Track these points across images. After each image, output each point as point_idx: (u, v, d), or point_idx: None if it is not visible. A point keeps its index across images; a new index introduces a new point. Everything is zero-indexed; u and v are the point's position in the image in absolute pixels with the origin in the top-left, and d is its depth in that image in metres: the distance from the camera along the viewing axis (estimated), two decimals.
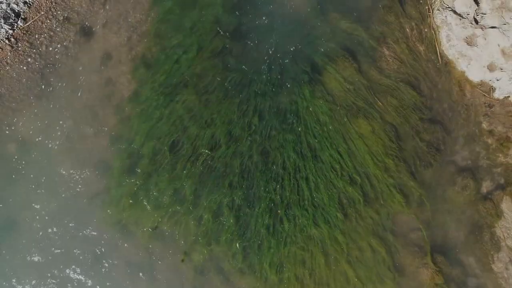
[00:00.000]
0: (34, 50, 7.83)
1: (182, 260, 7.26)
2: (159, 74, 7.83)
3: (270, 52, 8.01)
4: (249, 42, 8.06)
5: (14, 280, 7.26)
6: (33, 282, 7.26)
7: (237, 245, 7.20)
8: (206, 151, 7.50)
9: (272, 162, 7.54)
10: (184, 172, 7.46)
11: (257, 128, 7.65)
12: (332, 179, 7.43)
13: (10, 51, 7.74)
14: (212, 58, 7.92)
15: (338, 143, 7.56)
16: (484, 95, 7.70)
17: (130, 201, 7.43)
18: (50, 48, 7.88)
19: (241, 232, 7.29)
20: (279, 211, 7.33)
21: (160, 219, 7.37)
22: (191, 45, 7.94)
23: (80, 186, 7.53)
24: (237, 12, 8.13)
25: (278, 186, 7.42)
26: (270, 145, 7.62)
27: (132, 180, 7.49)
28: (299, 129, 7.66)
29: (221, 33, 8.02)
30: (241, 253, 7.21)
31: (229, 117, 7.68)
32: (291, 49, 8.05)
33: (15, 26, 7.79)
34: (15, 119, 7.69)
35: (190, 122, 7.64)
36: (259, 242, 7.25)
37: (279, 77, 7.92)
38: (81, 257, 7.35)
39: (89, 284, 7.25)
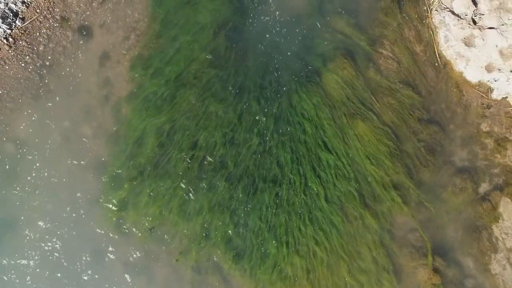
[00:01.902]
0: (32, 50, 7.83)
1: (177, 260, 7.26)
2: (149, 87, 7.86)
3: (268, 54, 8.03)
4: (245, 40, 8.09)
5: (13, 277, 7.28)
6: (29, 279, 7.27)
7: (228, 265, 7.21)
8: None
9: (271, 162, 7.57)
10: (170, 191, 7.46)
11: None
12: (329, 180, 7.44)
13: (8, 51, 7.74)
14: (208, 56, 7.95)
15: (336, 144, 7.56)
16: (482, 95, 7.70)
17: (126, 202, 7.45)
18: (48, 48, 7.88)
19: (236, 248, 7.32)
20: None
21: (156, 220, 7.40)
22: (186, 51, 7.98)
23: (77, 187, 7.52)
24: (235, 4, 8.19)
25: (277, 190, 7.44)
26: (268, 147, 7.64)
27: (128, 183, 7.49)
28: (294, 130, 7.68)
29: (219, 32, 8.04)
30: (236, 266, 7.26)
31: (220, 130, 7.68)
32: (288, 52, 8.05)
33: (13, 26, 7.79)
34: (13, 119, 7.68)
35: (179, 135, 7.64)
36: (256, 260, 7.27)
37: (274, 80, 7.93)
38: (78, 257, 7.34)
39: (86, 285, 7.26)
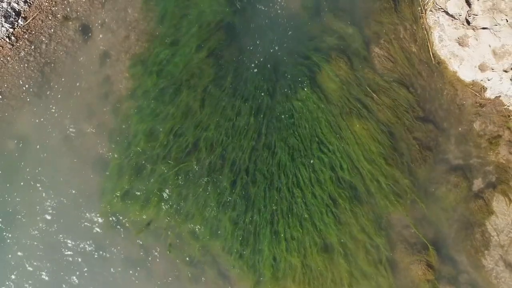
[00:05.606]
0: (34, 49, 7.96)
1: (169, 251, 7.37)
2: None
3: (260, 55, 8.17)
4: (239, 40, 8.21)
5: (12, 275, 7.39)
6: (28, 277, 7.38)
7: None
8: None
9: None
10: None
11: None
12: (324, 177, 7.55)
13: (10, 49, 7.87)
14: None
15: (331, 141, 7.68)
16: (476, 94, 7.82)
17: (126, 200, 7.57)
18: (50, 47, 8.01)
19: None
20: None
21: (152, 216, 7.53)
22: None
23: (78, 184, 7.64)
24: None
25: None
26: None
27: (127, 179, 7.60)
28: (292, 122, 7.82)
29: (217, 29, 8.16)
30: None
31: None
32: (284, 51, 8.18)
33: (16, 25, 7.93)
34: (14, 116, 7.80)
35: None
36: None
37: (270, 81, 8.07)
38: (77, 252, 7.45)
39: (85, 282, 7.37)
